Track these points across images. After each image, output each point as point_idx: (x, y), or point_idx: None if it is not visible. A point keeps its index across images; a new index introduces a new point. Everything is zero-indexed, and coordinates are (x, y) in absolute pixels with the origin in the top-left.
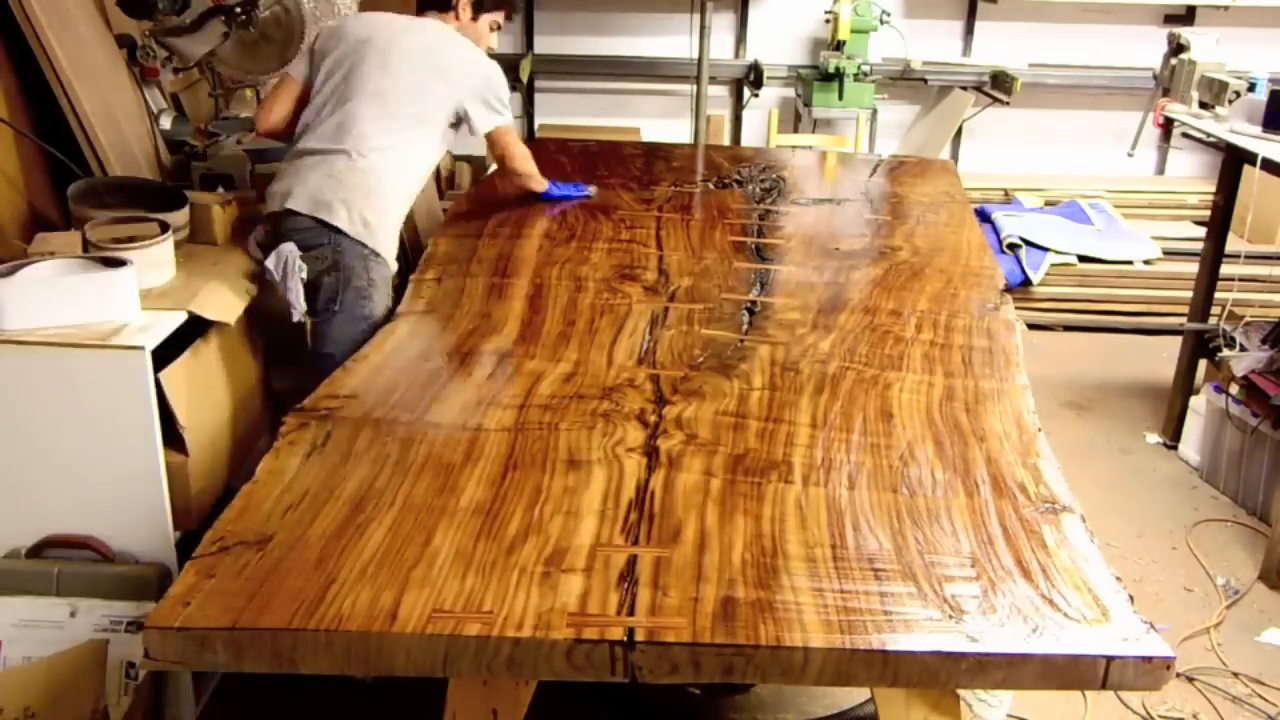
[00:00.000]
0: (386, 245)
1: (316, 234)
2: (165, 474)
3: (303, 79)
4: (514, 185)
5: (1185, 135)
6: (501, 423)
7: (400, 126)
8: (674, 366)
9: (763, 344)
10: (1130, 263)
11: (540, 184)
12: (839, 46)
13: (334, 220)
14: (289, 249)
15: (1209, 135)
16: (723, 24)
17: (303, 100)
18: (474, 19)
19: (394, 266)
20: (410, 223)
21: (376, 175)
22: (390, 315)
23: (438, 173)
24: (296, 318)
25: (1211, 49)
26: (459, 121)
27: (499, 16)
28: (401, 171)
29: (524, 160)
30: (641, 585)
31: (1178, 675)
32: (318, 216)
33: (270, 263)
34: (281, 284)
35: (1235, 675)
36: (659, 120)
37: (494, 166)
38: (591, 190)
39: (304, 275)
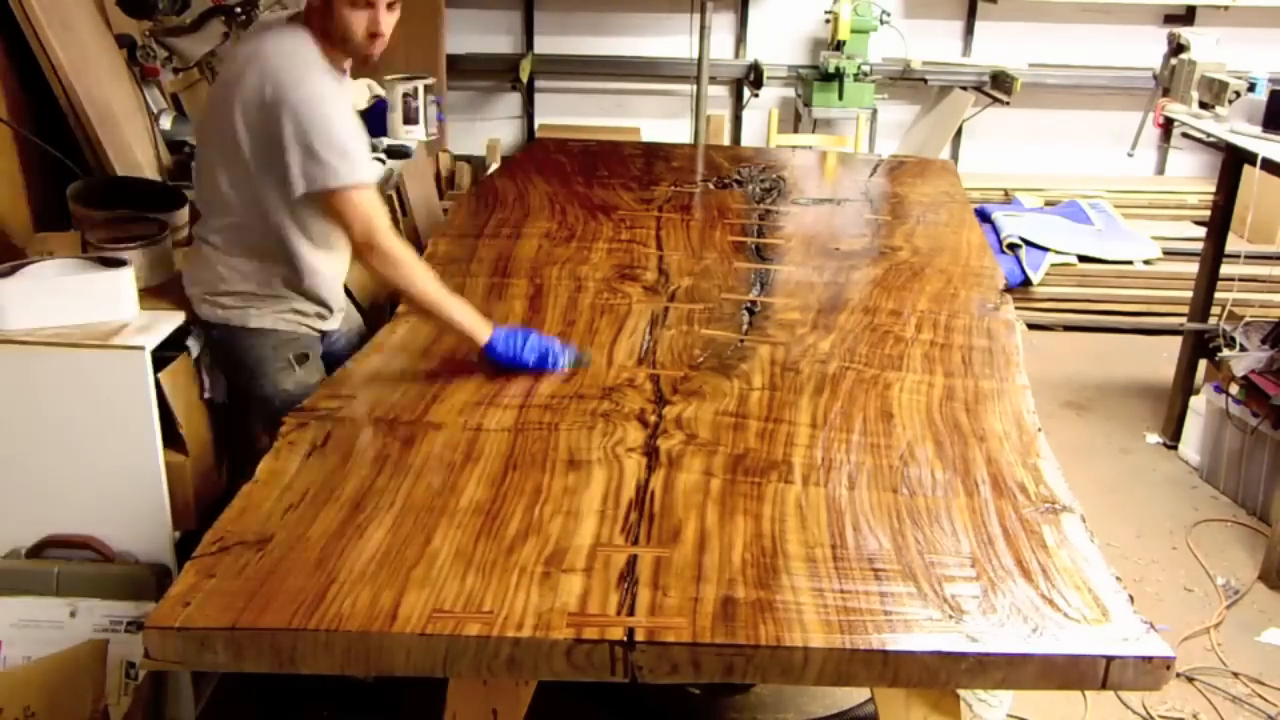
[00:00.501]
0: (265, 315)
1: (199, 324)
2: (165, 474)
3: None
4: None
5: (1185, 135)
6: (501, 423)
7: (234, 188)
8: (674, 366)
9: (763, 344)
10: (1130, 263)
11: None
12: (839, 46)
13: (201, 314)
14: (192, 339)
15: (1209, 135)
16: (723, 24)
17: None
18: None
19: (285, 328)
20: (410, 222)
21: (218, 251)
22: (307, 386)
23: (438, 173)
24: (207, 396)
25: (1211, 49)
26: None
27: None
28: (238, 242)
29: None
30: (641, 585)
31: (1178, 675)
32: (195, 313)
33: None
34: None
35: (1235, 675)
36: (659, 120)
37: (494, 167)
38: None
39: (208, 361)
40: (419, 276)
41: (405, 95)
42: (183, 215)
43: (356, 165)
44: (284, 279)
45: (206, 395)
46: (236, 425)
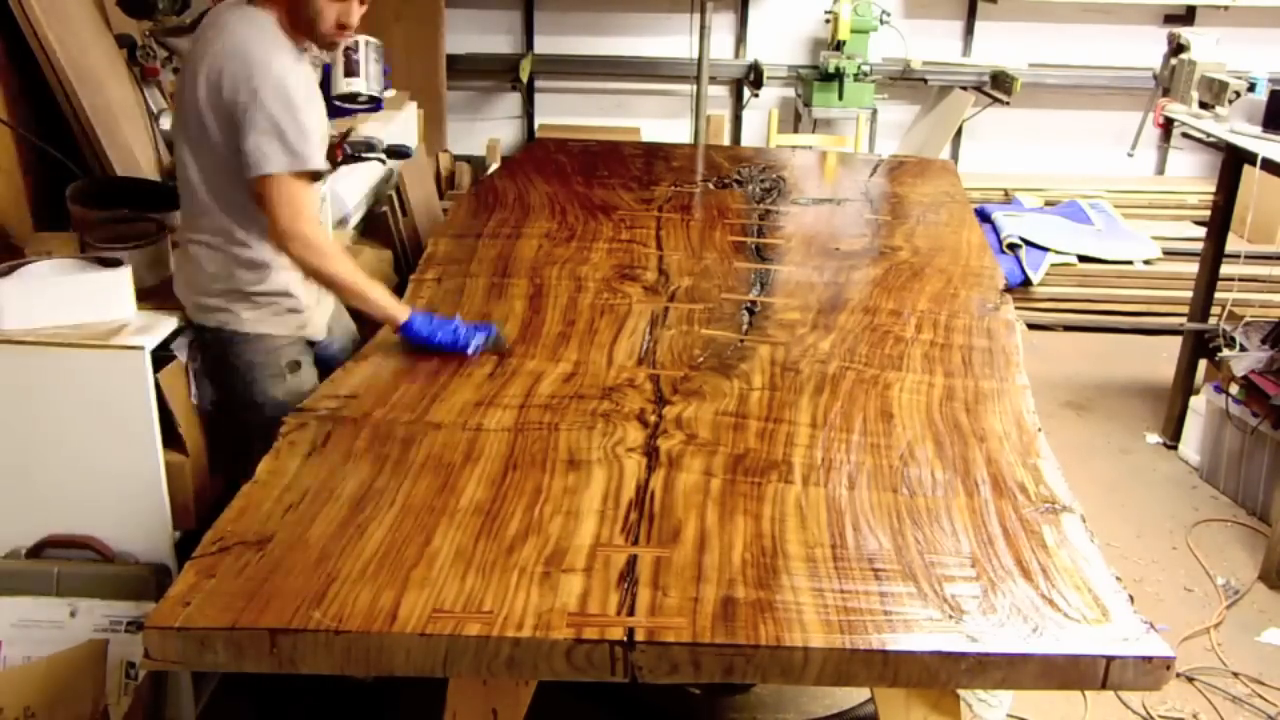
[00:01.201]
0: (261, 319)
1: (190, 328)
2: (165, 474)
3: None
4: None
5: (1185, 135)
6: (501, 423)
7: (216, 183)
8: (674, 366)
9: (763, 344)
10: (1130, 263)
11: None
12: (839, 46)
13: (194, 318)
14: (183, 339)
15: (1209, 135)
16: (723, 24)
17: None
18: None
19: (281, 332)
20: (410, 222)
21: (214, 252)
22: (298, 395)
23: (438, 173)
24: (197, 402)
25: (1211, 49)
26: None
27: None
28: (230, 243)
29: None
30: (641, 585)
31: (1178, 675)
32: (187, 316)
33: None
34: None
35: (1235, 675)
36: (659, 120)
37: (494, 167)
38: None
39: (198, 365)
40: (341, 263)
41: (346, 49)
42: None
43: (297, 152)
44: (270, 277)
45: (194, 402)
46: (225, 432)
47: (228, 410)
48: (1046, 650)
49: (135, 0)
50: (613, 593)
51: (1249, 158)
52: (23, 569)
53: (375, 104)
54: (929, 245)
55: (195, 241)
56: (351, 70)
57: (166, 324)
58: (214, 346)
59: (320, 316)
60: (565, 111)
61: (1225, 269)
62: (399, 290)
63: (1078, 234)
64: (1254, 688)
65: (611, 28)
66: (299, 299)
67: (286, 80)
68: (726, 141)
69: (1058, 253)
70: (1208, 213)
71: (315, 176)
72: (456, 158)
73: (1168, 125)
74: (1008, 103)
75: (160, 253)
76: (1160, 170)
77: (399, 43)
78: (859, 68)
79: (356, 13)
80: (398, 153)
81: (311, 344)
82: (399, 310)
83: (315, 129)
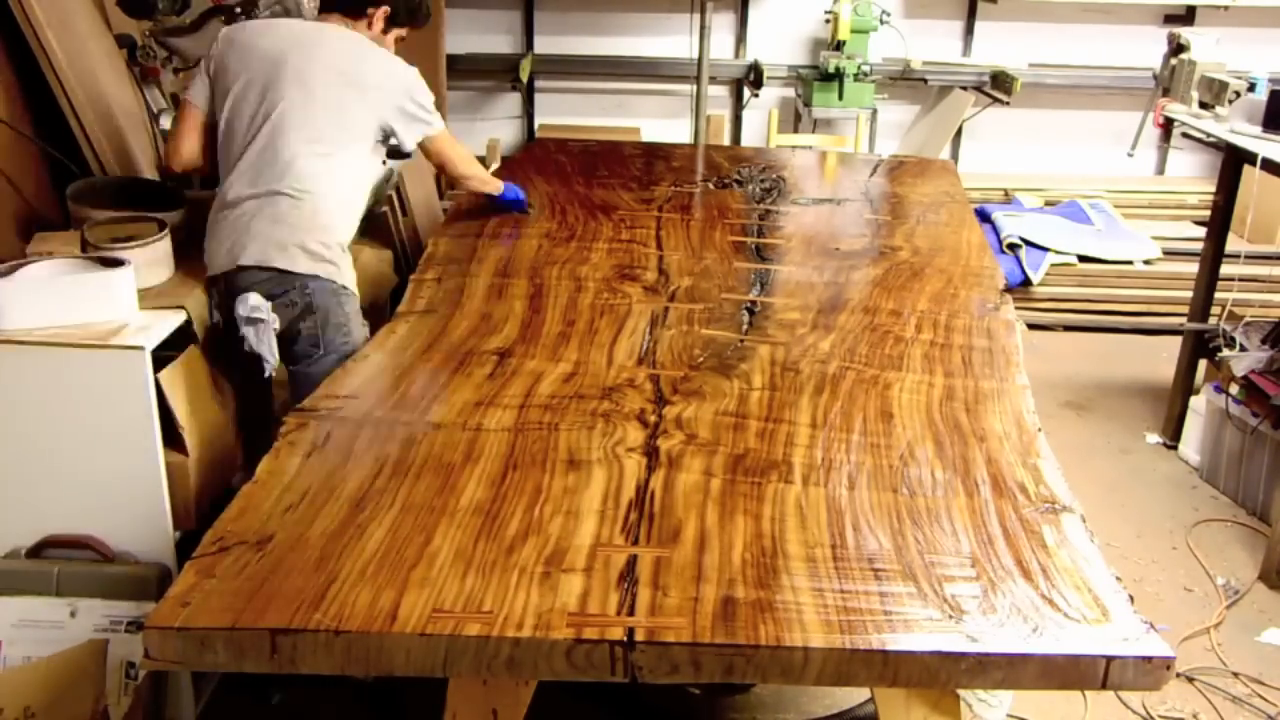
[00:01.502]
0: (350, 276)
1: (280, 281)
2: (165, 474)
3: (206, 105)
4: (467, 190)
5: (1185, 135)
6: (501, 423)
7: (328, 151)
8: (674, 366)
9: (763, 344)
10: (1130, 263)
11: (493, 185)
12: (839, 46)
13: (296, 266)
14: (256, 300)
15: (1209, 135)
16: (723, 24)
17: (211, 128)
18: (384, 32)
19: (358, 294)
20: (410, 222)
21: (324, 208)
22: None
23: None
24: (269, 372)
25: (1211, 49)
26: (387, 137)
27: (406, 30)
28: (344, 198)
29: (466, 163)
30: (641, 585)
31: (1178, 675)
32: (278, 266)
33: (241, 312)
34: (253, 337)
35: (1235, 675)
36: (659, 120)
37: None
38: (528, 203)
39: (276, 326)
40: (485, 185)
41: None
42: (181, 215)
43: (441, 117)
44: (343, 235)
45: (269, 374)
46: (254, 407)
47: (307, 368)
48: (1046, 650)
49: (135, 0)
50: (613, 593)
51: (1249, 158)
52: (23, 569)
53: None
54: (929, 245)
55: (307, 193)
56: None
57: (168, 324)
58: (319, 295)
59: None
60: (565, 111)
61: (1225, 269)
62: (399, 290)
63: (1078, 234)
64: (1254, 688)
65: (611, 28)
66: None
67: (411, 73)
68: (726, 141)
69: (1058, 253)
70: (1208, 213)
71: (384, 141)
72: None
73: (1168, 125)
74: (1008, 103)
75: (162, 252)
76: (1160, 170)
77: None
78: (859, 68)
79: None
80: (398, 153)
81: None
82: (495, 184)
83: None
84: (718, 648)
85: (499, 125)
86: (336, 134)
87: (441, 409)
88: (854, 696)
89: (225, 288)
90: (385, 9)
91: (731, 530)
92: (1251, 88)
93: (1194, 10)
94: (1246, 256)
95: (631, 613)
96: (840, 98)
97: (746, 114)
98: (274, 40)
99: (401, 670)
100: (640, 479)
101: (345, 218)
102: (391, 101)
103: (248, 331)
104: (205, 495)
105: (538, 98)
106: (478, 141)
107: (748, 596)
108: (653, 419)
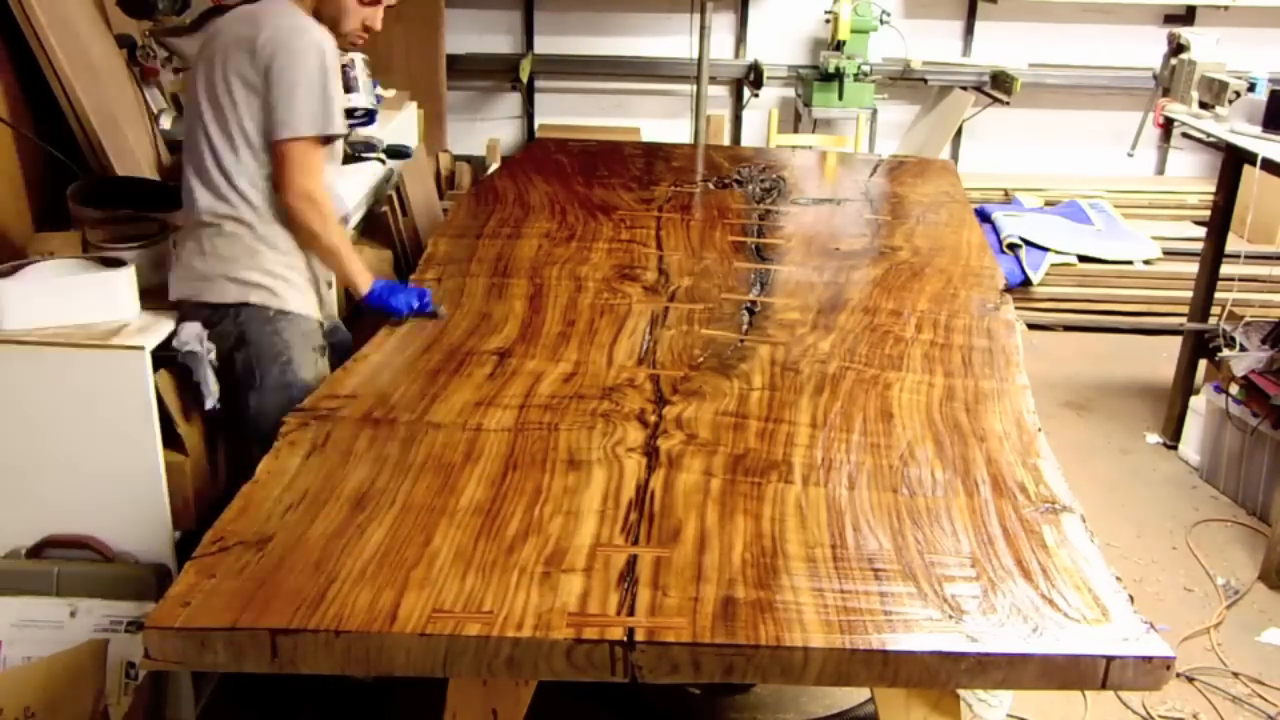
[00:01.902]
0: (297, 298)
1: (214, 311)
2: (165, 474)
3: None
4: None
5: (1185, 135)
6: (501, 423)
7: (255, 160)
8: (674, 366)
9: (763, 344)
10: (1130, 263)
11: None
12: (839, 46)
13: (226, 297)
14: (187, 334)
15: (1209, 135)
16: (723, 24)
17: None
18: None
19: (315, 314)
20: (410, 222)
21: (254, 231)
22: (320, 380)
23: (438, 173)
24: (209, 404)
25: (1211, 49)
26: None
27: None
28: (280, 212)
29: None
30: (641, 585)
31: (1178, 675)
32: (207, 301)
33: (175, 345)
34: (193, 368)
35: (1235, 675)
36: (659, 120)
37: (494, 167)
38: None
39: (213, 357)
40: (338, 229)
41: (344, 65)
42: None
43: (326, 115)
44: (297, 257)
45: (211, 405)
46: (234, 432)
47: (247, 400)
48: (1046, 650)
49: (135, 0)
50: (613, 593)
51: (1249, 158)
52: (23, 569)
53: (370, 116)
54: (929, 245)
55: (228, 218)
56: (349, 86)
57: (167, 324)
58: (252, 325)
59: (332, 298)
60: (565, 111)
61: (1225, 269)
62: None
63: (1078, 234)
64: (1254, 688)
65: (611, 28)
66: (320, 279)
67: (324, 45)
68: (726, 141)
69: (1058, 253)
70: (1208, 213)
71: (327, 142)
72: (456, 158)
73: (1168, 125)
74: (1008, 103)
75: (162, 252)
76: (1160, 170)
77: (399, 43)
78: (859, 68)
79: (379, 17)
80: (398, 153)
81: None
82: (366, 279)
83: (339, 97)
84: (718, 648)
85: (499, 125)
86: (258, 142)
87: (441, 409)
88: (854, 696)
89: (178, 316)
90: None
91: (731, 530)
92: (1251, 88)
93: (1194, 10)
94: (1246, 256)
95: (631, 613)
96: (840, 98)
97: (746, 114)
98: (212, 32)
99: (401, 670)
100: (640, 479)
101: (287, 235)
102: (273, 92)
103: (187, 361)
104: (205, 495)
105: (538, 98)
106: (478, 141)
107: (748, 596)
108: (653, 419)
